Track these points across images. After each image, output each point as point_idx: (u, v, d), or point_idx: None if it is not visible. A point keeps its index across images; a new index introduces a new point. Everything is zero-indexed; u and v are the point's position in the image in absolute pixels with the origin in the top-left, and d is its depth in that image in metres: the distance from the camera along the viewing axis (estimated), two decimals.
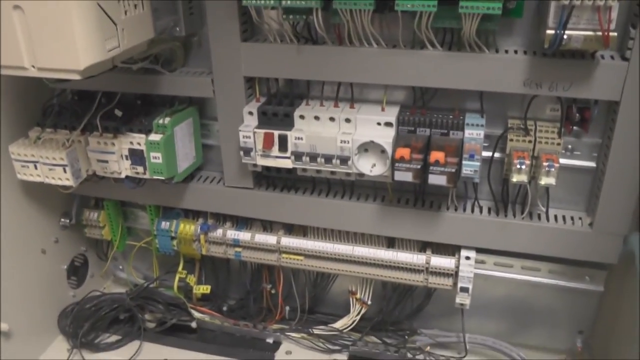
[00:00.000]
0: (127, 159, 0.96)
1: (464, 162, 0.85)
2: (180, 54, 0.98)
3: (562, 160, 0.91)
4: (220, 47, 0.91)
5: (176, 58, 0.98)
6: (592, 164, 0.92)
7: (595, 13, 0.73)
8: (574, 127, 0.90)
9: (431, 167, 0.84)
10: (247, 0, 0.82)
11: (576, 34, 0.75)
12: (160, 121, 0.95)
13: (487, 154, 0.92)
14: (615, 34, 0.74)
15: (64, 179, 0.95)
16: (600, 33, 0.74)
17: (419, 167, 0.84)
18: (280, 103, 0.93)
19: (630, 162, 0.85)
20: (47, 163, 0.95)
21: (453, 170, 0.84)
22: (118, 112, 0.97)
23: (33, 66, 0.75)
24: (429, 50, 0.84)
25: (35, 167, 0.96)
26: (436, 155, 0.83)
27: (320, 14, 0.83)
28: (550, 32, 0.75)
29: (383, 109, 0.90)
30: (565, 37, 0.75)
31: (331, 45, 0.87)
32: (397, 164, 0.85)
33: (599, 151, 0.91)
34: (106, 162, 0.96)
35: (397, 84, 0.89)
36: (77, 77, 0.74)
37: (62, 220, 1.17)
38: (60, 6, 0.71)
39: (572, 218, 0.94)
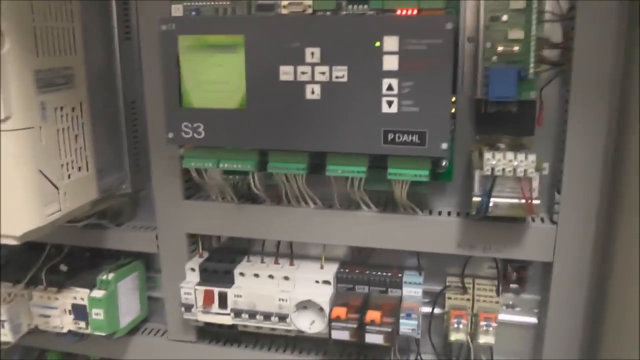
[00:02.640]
0: (70, 313, 0.96)
1: (401, 320, 0.85)
2: (128, 209, 1.00)
3: (504, 316, 0.92)
4: (164, 205, 0.94)
5: (124, 213, 1.00)
6: (534, 320, 0.92)
7: (517, 183, 0.76)
8: (512, 285, 0.91)
9: (367, 327, 0.84)
10: (187, 162, 0.85)
11: (502, 201, 0.77)
12: (104, 277, 0.95)
13: (428, 309, 0.92)
14: (539, 201, 0.76)
15: (1, 334, 0.94)
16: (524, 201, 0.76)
17: (355, 326, 0.85)
18: (221, 260, 0.94)
19: (568, 319, 0.85)
20: None
21: (389, 329, 0.84)
22: (63, 267, 0.98)
23: None
24: (364, 211, 0.86)
25: None
26: (372, 315, 0.84)
27: (256, 176, 0.85)
28: (476, 199, 0.78)
29: (322, 267, 0.91)
30: (491, 204, 0.77)
31: (270, 204, 0.90)
32: (333, 323, 0.85)
33: (539, 307, 0.91)
34: (48, 316, 0.96)
35: (333, 243, 0.91)
36: (15, 242, 0.75)
37: None
38: (2, 174, 0.73)
39: None
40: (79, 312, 0.95)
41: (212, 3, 0.82)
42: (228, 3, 0.81)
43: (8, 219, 0.74)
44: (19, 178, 0.74)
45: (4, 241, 0.76)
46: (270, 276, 0.90)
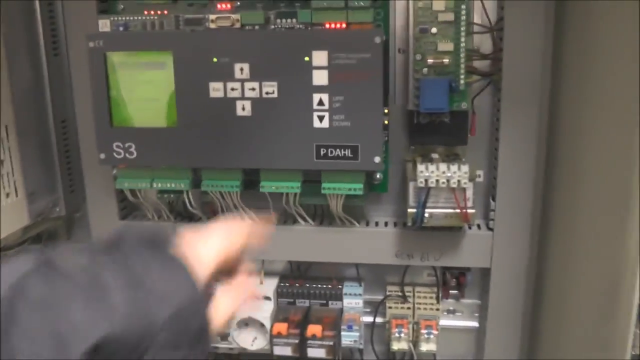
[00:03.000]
0: None
1: (343, 332, 0.86)
2: (63, 232, 0.97)
3: (445, 321, 0.93)
4: (100, 226, 0.91)
5: (58, 236, 0.97)
6: (475, 324, 0.94)
7: (452, 193, 0.76)
8: (452, 291, 0.91)
9: (309, 341, 0.84)
10: (120, 183, 0.84)
11: (437, 212, 0.78)
12: None
13: (369, 318, 0.93)
14: (474, 210, 0.77)
15: None
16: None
17: (297, 341, 0.84)
18: None
19: (508, 322, 0.87)
20: None
21: (331, 343, 0.84)
22: None
23: None
24: (301, 225, 0.86)
25: None
26: (313, 330, 0.84)
27: (191, 194, 0.84)
28: (411, 210, 0.78)
29: (261, 282, 0.90)
30: (426, 215, 0.77)
31: (206, 221, 0.88)
32: (275, 339, 0.85)
33: (480, 311, 0.92)
34: None
35: (272, 259, 0.91)
36: None
37: None
38: None
39: None
40: None
41: (140, 17, 0.80)
42: (155, 17, 0.80)
43: None
44: None
45: None
46: None
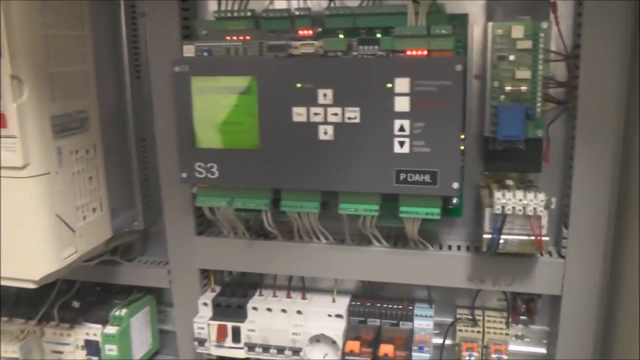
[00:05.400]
0: (82, 349, 0.97)
1: (413, 353, 0.87)
2: (138, 245, 1.01)
3: (513, 347, 0.93)
4: (176, 240, 0.94)
5: (135, 248, 1.00)
6: (543, 350, 0.94)
7: (527, 220, 0.77)
8: (521, 317, 0.92)
9: None
10: (201, 201, 0.86)
11: (511, 238, 0.79)
12: (117, 313, 0.96)
13: (438, 340, 0.94)
14: (548, 238, 0.78)
15: None
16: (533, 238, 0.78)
17: (369, 359, 0.86)
18: (234, 294, 0.95)
19: (578, 351, 0.87)
20: None
21: None
22: (75, 304, 0.98)
23: None
24: (375, 246, 0.87)
25: None
26: (385, 349, 0.85)
27: (269, 214, 0.87)
28: (487, 236, 0.79)
29: (334, 300, 0.92)
30: (501, 241, 0.78)
31: (282, 240, 0.91)
32: (347, 357, 0.86)
33: (548, 338, 0.93)
34: (61, 352, 0.97)
35: (344, 278, 0.92)
36: (32, 286, 0.76)
37: None
38: (20, 219, 0.74)
39: None
40: (92, 347, 0.96)
41: (223, 43, 0.83)
42: (239, 43, 0.83)
43: (26, 264, 0.75)
44: (37, 223, 0.75)
45: (22, 285, 0.77)
46: (283, 310, 0.91)
